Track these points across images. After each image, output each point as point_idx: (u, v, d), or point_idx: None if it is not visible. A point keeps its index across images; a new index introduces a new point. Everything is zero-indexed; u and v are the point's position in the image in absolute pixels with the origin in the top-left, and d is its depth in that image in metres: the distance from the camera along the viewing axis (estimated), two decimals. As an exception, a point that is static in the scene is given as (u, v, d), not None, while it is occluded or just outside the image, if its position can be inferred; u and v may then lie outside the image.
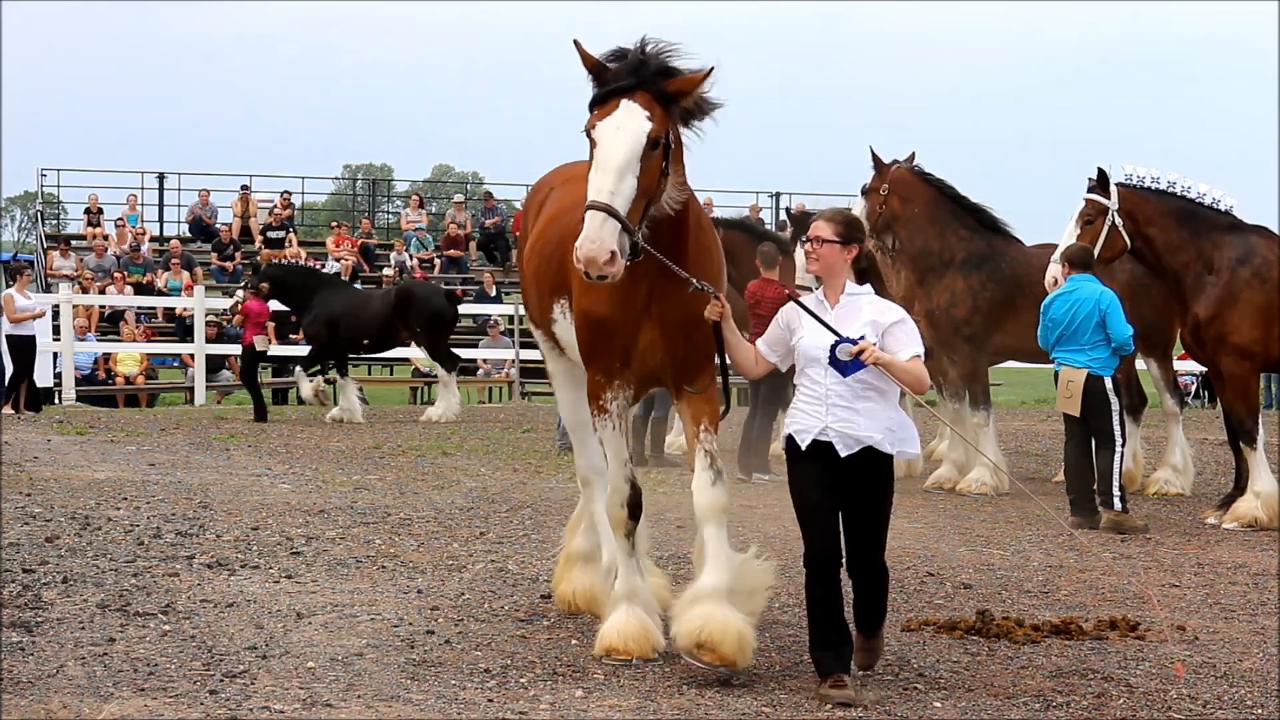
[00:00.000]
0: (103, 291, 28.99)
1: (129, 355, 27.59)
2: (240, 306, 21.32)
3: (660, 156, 6.47)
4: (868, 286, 6.64)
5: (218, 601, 8.32)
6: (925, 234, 13.90)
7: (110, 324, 29.06)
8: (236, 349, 27.31)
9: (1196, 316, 11.95)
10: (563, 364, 7.93)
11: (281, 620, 7.88)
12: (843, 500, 6.58)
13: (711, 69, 6.55)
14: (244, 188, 35.05)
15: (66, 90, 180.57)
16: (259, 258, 32.45)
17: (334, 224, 36.29)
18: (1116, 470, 11.74)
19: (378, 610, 8.17)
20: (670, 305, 6.75)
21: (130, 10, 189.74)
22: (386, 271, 31.38)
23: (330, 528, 10.93)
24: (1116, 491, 11.71)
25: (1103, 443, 11.77)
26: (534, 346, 30.28)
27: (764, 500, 13.14)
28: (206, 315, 26.57)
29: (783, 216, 30.19)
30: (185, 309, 28.25)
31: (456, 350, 29.54)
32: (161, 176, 35.71)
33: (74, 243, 32.56)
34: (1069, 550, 10.74)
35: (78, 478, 13.61)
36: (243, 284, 21.72)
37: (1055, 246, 12.41)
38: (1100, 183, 12.09)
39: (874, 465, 6.59)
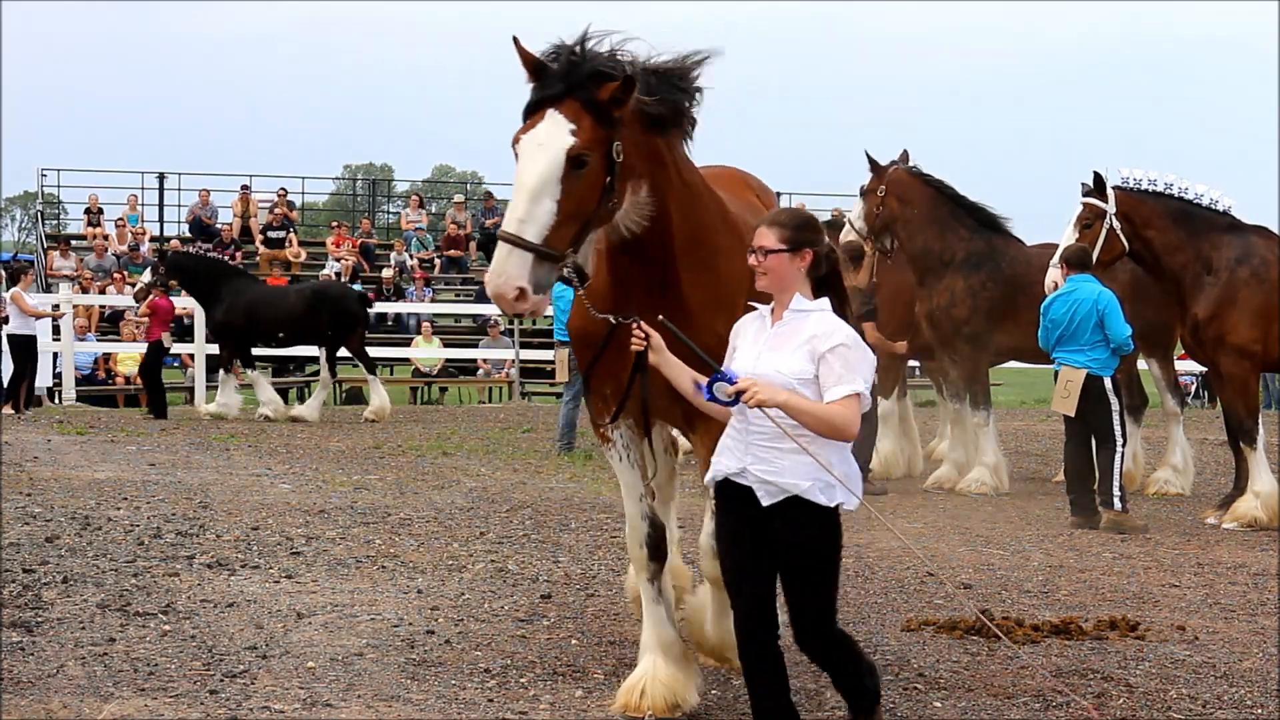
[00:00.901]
0: (103, 291, 28.98)
1: (129, 355, 27.58)
2: (149, 303, 21.38)
3: (596, 174, 5.58)
4: (823, 300, 5.45)
5: (218, 601, 8.32)
6: (925, 234, 13.91)
7: (110, 324, 29.06)
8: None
9: (1196, 317, 11.96)
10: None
11: (281, 620, 7.88)
12: (773, 558, 5.40)
13: (633, 78, 5.64)
14: (244, 188, 35.04)
15: (66, 90, 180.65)
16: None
17: (334, 224, 36.30)
18: (1117, 470, 11.75)
19: (378, 610, 8.17)
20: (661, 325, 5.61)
21: (130, 10, 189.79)
22: (386, 273, 31.39)
23: (330, 528, 10.93)
24: (1116, 491, 11.71)
25: (1103, 443, 11.78)
26: (533, 346, 30.11)
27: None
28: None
29: None
30: (184, 309, 28.25)
31: (457, 350, 29.74)
32: (161, 176, 35.70)
33: (74, 243, 32.56)
34: (1069, 550, 10.75)
35: (78, 478, 13.61)
36: (150, 279, 21.66)
37: (1056, 246, 12.43)
38: (1096, 187, 12.10)
39: (808, 518, 5.37)
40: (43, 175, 36.00)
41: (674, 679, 6.37)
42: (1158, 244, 12.06)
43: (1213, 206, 12.09)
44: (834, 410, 5.23)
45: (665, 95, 5.90)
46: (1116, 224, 12.03)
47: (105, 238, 32.15)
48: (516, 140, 5.65)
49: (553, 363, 25.12)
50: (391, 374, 31.03)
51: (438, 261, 33.59)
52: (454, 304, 32.18)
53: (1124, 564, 10.21)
